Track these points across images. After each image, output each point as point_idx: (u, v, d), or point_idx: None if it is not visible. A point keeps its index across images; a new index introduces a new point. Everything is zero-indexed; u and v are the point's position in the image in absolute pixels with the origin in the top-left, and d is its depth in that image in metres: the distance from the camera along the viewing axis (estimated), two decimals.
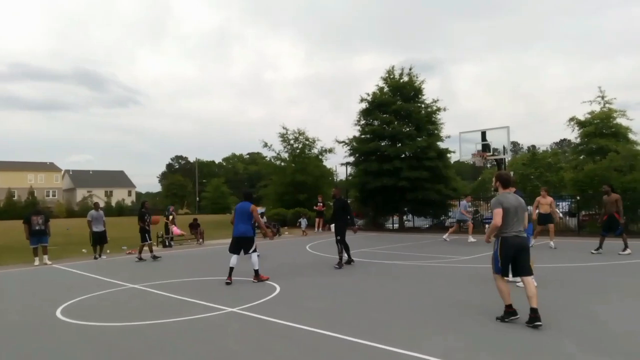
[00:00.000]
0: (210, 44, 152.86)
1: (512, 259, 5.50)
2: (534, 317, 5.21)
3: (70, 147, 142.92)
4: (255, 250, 8.98)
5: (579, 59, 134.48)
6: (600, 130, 21.07)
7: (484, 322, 5.56)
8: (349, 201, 28.40)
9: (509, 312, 5.50)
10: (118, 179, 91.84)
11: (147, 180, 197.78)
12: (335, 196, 11.59)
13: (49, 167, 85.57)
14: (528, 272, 5.49)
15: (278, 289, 8.00)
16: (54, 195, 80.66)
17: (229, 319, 6.11)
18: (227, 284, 8.68)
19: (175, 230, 17.89)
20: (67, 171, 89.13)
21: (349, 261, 11.00)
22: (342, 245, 10.78)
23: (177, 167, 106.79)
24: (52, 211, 47.59)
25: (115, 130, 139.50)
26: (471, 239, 15.88)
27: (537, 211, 13.16)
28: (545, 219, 13.27)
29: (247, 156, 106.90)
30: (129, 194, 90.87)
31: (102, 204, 15.82)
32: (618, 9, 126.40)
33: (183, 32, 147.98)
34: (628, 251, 11.49)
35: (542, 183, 24.78)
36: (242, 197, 9.55)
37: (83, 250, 15.33)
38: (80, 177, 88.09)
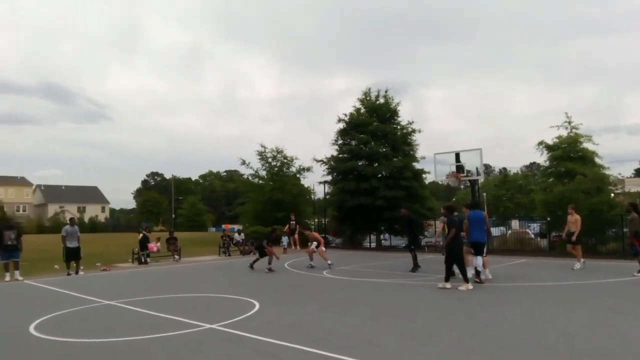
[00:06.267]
0: (182, 61, 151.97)
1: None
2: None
3: (37, 161, 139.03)
4: (484, 254, 10.34)
5: (543, 86, 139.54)
6: (568, 154, 21.88)
7: (464, 337, 5.78)
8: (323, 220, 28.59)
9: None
10: (91, 194, 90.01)
11: (121, 197, 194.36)
12: (403, 215, 14.20)
13: (20, 182, 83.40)
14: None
15: (257, 306, 8.05)
16: (24, 210, 78.47)
17: (207, 335, 6.14)
18: (477, 282, 10.06)
19: (151, 246, 17.81)
20: (38, 186, 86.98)
21: (415, 268, 12.95)
22: (414, 254, 13.22)
23: (152, 183, 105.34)
24: (23, 226, 46.20)
25: (85, 145, 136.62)
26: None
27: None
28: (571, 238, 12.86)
29: (225, 173, 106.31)
30: (103, 210, 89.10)
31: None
32: (575, 40, 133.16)
33: (154, 48, 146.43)
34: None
35: (513, 204, 25.47)
36: (472, 207, 10.94)
37: (55, 266, 15.01)
38: (52, 192, 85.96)
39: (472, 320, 6.77)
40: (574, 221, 12.74)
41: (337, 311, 7.71)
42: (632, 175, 56.75)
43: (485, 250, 10.61)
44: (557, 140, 22.67)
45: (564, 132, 22.78)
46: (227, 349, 5.51)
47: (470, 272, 10.30)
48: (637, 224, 11.49)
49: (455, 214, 10.80)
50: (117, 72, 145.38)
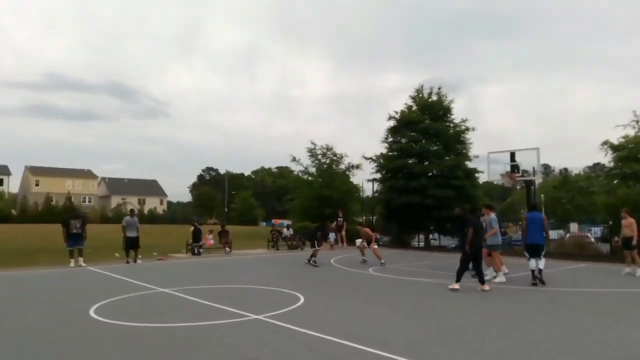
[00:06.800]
0: (237, 60, 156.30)
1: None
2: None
3: (103, 155, 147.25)
4: (545, 256, 10.42)
5: (608, 84, 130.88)
6: (635, 155, 20.55)
7: (514, 345, 5.64)
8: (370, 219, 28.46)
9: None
10: (151, 187, 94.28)
11: (178, 190, 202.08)
12: (457, 214, 13.48)
13: (86, 174, 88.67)
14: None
15: (302, 299, 8.21)
16: (89, 202, 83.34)
17: (253, 325, 6.35)
18: (534, 284, 9.89)
19: (209, 242, 18.64)
20: (103, 178, 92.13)
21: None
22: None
23: (207, 178, 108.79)
24: (88, 216, 49.14)
25: (146, 141, 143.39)
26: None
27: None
28: (626, 243, 12.28)
29: (276, 170, 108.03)
30: (161, 202, 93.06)
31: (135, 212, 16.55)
32: None
33: (211, 47, 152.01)
34: None
35: (573, 207, 24.27)
36: (529, 208, 11.26)
37: (116, 254, 15.92)
38: (115, 185, 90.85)
39: (511, 326, 6.57)
40: (628, 225, 12.09)
41: (380, 308, 7.71)
42: None
43: (543, 253, 10.26)
44: (623, 140, 21.35)
45: (631, 132, 21.42)
46: (270, 338, 5.68)
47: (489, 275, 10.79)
48: None
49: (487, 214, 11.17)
50: (176, 70, 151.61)
